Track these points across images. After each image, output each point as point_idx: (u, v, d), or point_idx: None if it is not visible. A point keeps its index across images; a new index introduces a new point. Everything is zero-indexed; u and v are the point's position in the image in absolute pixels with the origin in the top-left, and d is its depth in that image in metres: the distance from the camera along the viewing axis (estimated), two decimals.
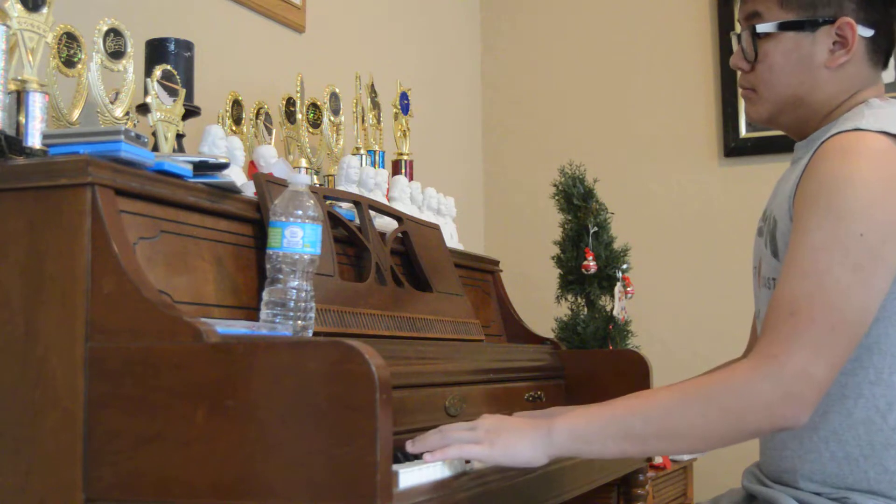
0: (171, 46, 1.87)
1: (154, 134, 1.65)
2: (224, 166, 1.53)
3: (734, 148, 3.44)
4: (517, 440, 1.36)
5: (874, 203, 1.34)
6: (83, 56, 1.66)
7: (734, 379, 1.32)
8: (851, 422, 1.40)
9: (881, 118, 1.42)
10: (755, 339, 1.70)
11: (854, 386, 1.40)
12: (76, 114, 1.65)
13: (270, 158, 1.98)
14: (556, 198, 2.86)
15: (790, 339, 1.31)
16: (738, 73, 1.60)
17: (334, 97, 2.24)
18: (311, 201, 1.44)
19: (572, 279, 2.80)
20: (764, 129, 3.15)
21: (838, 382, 1.38)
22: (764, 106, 1.56)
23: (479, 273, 2.37)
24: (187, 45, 1.89)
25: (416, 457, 1.49)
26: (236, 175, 1.76)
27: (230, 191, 1.54)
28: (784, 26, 1.49)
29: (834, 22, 1.48)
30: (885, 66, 1.56)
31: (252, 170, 1.97)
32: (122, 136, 1.35)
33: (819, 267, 1.33)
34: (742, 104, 3.12)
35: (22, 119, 1.51)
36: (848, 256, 1.32)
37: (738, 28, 1.57)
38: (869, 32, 1.49)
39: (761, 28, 1.51)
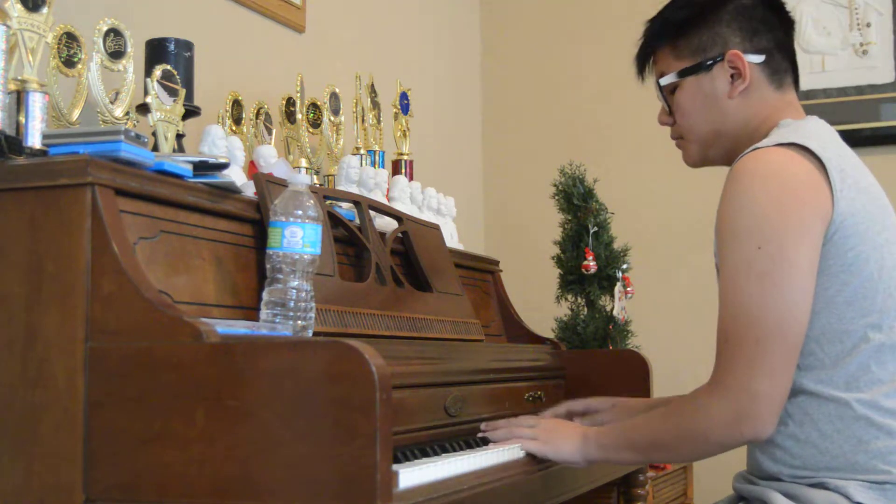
0: (171, 46, 1.87)
1: (154, 134, 1.65)
2: (224, 166, 1.53)
3: None
4: (565, 442, 1.63)
5: (764, 216, 1.45)
6: (83, 56, 1.66)
7: (694, 404, 1.50)
8: (820, 401, 1.49)
9: (783, 135, 1.53)
10: None
11: (814, 375, 1.49)
12: (76, 114, 1.65)
13: (270, 158, 1.98)
14: (556, 198, 2.86)
15: (728, 363, 1.45)
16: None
17: (334, 97, 2.24)
18: (311, 201, 1.44)
19: (572, 279, 2.80)
20: None
21: (802, 376, 1.48)
22: (692, 147, 1.70)
23: (479, 273, 2.37)
24: (187, 45, 1.89)
25: (416, 457, 1.49)
26: (236, 175, 1.76)
27: (230, 191, 1.54)
28: (682, 73, 1.66)
29: (724, 58, 1.62)
30: (795, 84, 1.68)
31: (252, 170, 1.97)
32: (122, 136, 1.35)
33: (732, 290, 1.46)
34: None
35: (22, 119, 1.51)
36: (751, 269, 1.44)
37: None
38: (759, 59, 1.62)
39: (664, 81, 1.69)
